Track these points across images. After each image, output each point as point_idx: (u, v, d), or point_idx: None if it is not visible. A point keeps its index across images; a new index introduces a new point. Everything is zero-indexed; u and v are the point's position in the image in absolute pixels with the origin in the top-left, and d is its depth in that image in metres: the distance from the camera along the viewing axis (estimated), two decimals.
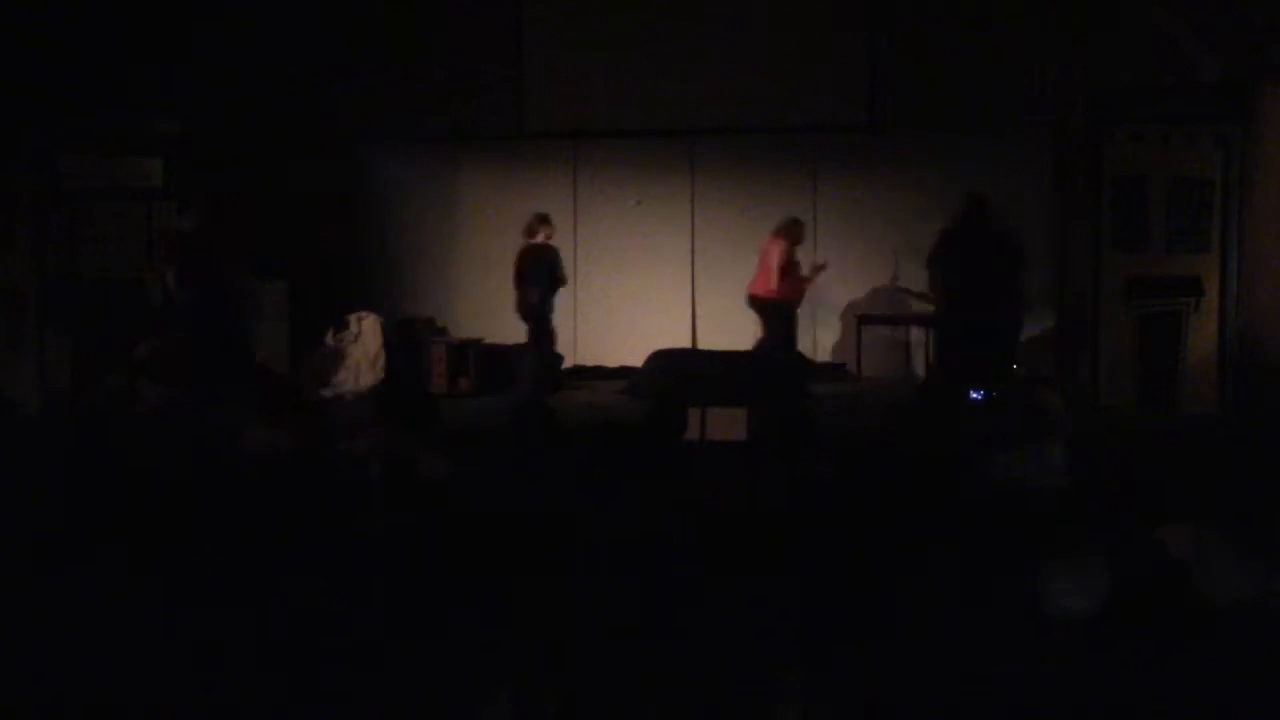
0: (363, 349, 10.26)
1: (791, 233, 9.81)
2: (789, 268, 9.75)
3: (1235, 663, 2.93)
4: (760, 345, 9.89)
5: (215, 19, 10.20)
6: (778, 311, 9.76)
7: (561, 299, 10.98)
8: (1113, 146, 8.91)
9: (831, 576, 3.55)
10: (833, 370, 10.82)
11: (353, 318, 10.31)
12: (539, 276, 9.46)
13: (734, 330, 10.64)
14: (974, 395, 9.11)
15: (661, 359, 10.14)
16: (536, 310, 9.52)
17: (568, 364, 10.91)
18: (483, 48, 11.06)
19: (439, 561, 3.68)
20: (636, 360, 10.35)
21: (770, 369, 9.55)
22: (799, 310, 10.17)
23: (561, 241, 11.19)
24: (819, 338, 11.00)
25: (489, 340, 10.56)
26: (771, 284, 9.66)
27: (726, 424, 7.10)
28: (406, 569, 3.61)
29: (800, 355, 10.53)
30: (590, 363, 11.18)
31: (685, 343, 10.93)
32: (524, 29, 11.12)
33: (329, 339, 10.22)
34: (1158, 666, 2.92)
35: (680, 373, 9.69)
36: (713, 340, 10.75)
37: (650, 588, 3.47)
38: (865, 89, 10.85)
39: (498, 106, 11.07)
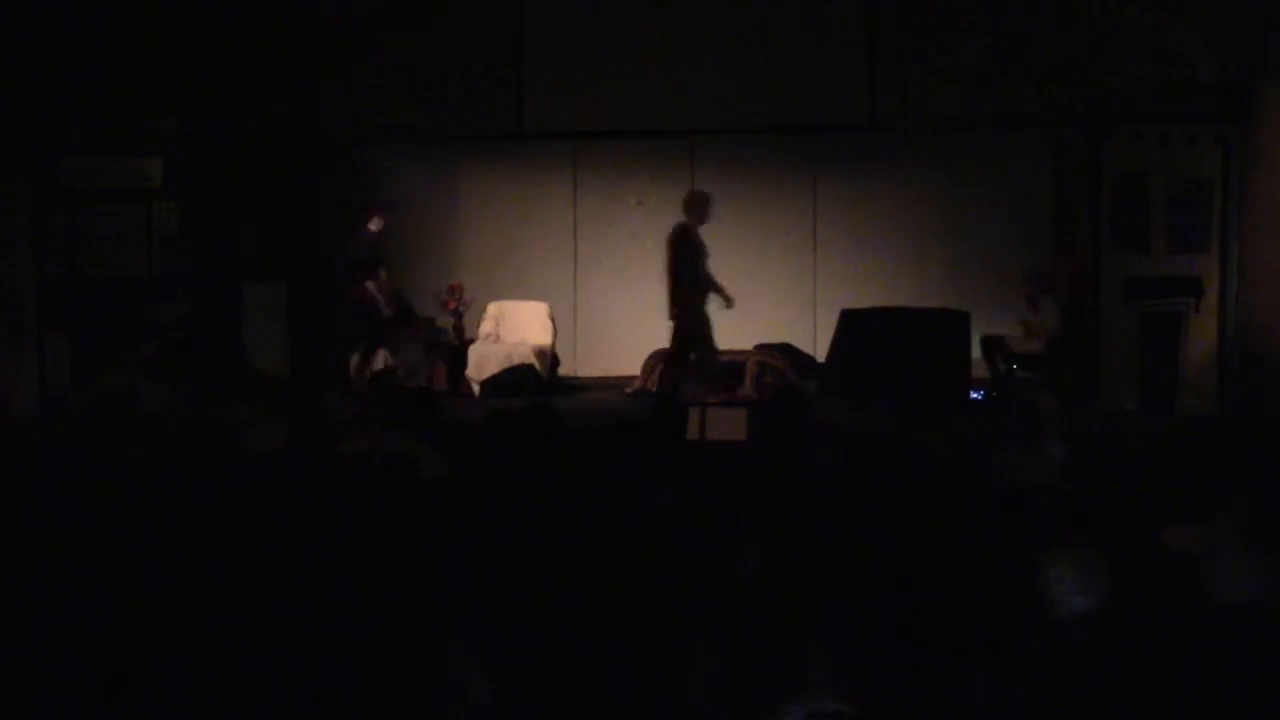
0: None
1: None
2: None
3: (1236, 662, 2.93)
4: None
5: (215, 19, 10.19)
6: None
7: (561, 300, 11.00)
8: (1113, 146, 8.91)
9: (831, 575, 3.56)
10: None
11: None
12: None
13: (734, 330, 10.64)
14: (974, 395, 9.14)
15: None
16: None
17: (566, 365, 10.93)
18: (483, 48, 11.06)
19: (437, 561, 3.68)
20: (636, 360, 10.34)
21: None
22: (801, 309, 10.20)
23: (561, 241, 11.22)
24: (819, 337, 10.99)
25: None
26: None
27: (726, 424, 7.10)
28: (405, 569, 3.61)
29: (797, 351, 10.56)
30: (590, 363, 11.19)
31: None
32: (524, 29, 11.13)
33: None
34: (1160, 665, 2.93)
35: None
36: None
37: (648, 586, 3.47)
38: (865, 89, 10.86)
39: (498, 106, 11.07)
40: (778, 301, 10.94)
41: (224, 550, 3.75)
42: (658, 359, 9.86)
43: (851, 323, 9.66)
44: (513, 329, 10.51)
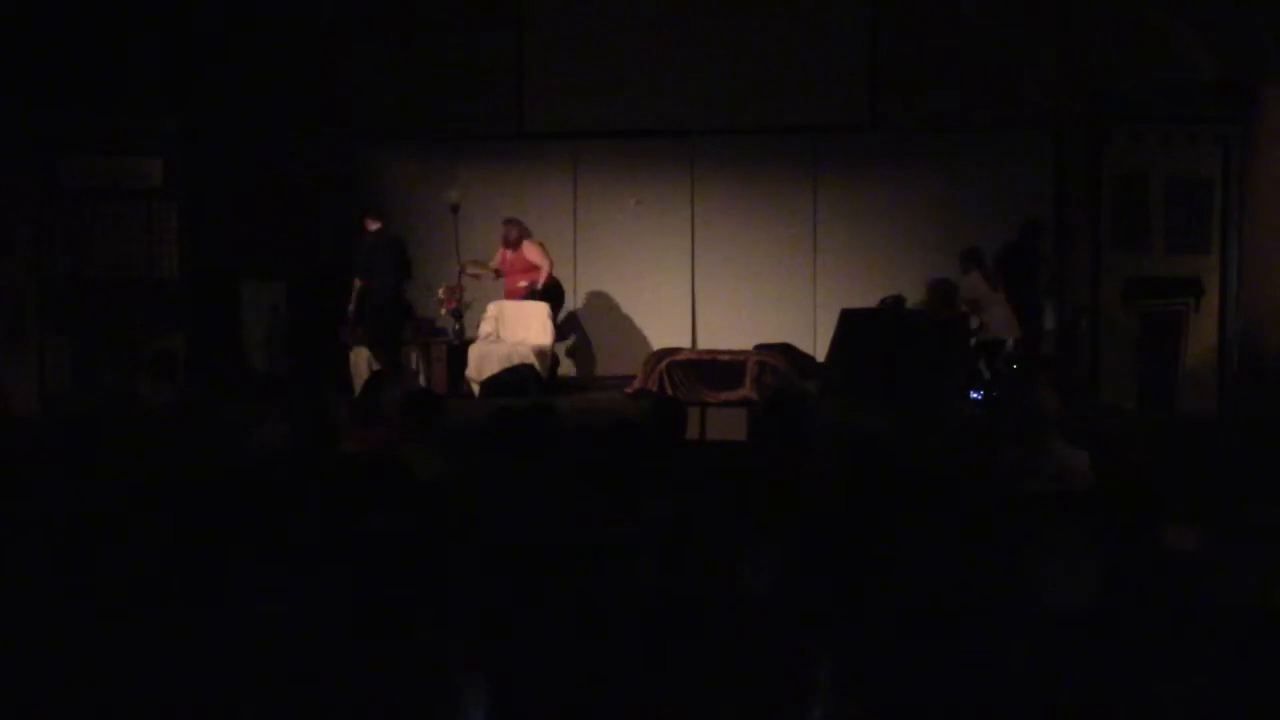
0: None
1: None
2: None
3: (1235, 662, 2.93)
4: None
5: (215, 19, 10.20)
6: None
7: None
8: (1113, 146, 8.91)
9: (833, 573, 3.55)
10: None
11: None
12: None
13: (734, 330, 10.65)
14: (974, 395, 9.14)
15: None
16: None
17: (566, 365, 10.92)
18: (483, 47, 11.06)
19: (436, 562, 3.68)
20: (636, 360, 10.34)
21: None
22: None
23: (561, 241, 11.22)
24: (820, 337, 11.00)
25: None
26: None
27: (726, 424, 7.11)
28: (404, 569, 3.61)
29: (797, 351, 10.55)
30: (590, 363, 11.18)
31: (685, 343, 10.92)
32: (524, 29, 11.13)
33: None
34: (1158, 666, 2.92)
35: None
36: (713, 341, 10.74)
37: (650, 587, 3.47)
38: (865, 89, 10.86)
39: (498, 106, 11.07)
40: (778, 301, 10.94)
41: (223, 550, 3.75)
42: (657, 359, 9.86)
43: (851, 323, 9.66)
44: (513, 329, 10.50)
